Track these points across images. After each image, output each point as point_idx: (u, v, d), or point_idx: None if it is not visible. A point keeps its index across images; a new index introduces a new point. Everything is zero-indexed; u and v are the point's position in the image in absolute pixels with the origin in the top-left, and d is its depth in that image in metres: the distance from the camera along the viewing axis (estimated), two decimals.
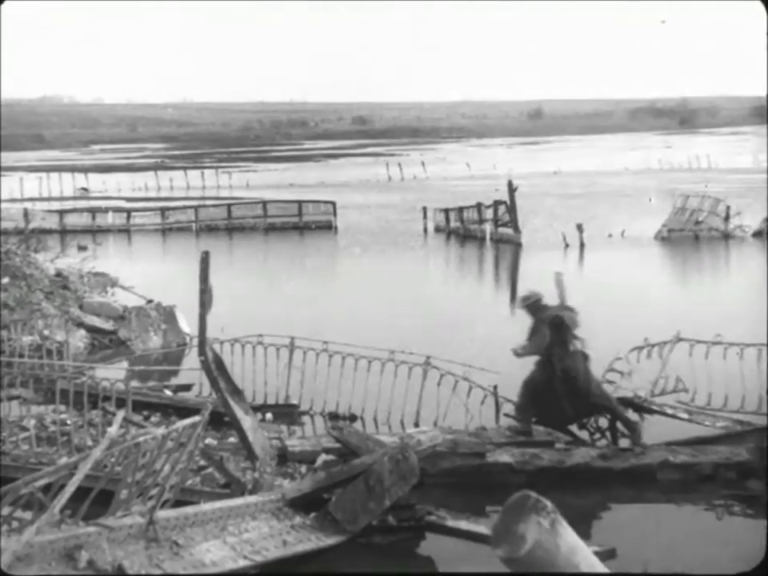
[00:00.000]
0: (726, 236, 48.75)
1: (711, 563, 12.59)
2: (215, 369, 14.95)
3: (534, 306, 17.81)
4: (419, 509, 13.02)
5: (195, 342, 17.02)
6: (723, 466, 15.28)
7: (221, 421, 16.58)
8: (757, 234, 48.57)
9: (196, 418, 11.68)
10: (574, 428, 18.17)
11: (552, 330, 17.30)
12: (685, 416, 17.90)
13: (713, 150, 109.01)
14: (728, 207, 49.89)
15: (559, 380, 17.04)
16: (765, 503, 14.52)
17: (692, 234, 49.04)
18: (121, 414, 14.17)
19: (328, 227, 56.17)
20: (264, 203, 59.09)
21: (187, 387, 20.83)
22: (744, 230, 49.04)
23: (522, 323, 29.78)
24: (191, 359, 21.04)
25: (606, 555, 11.68)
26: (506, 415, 18.61)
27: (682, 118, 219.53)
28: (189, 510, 11.81)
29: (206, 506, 12.07)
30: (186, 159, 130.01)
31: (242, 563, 11.25)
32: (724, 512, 14.48)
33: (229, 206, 59.13)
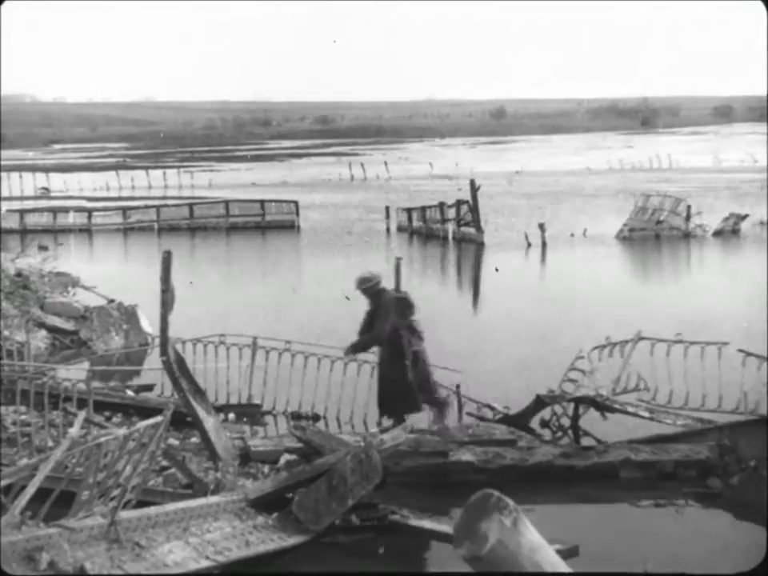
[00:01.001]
0: (687, 235, 49.03)
1: (674, 561, 12.65)
2: (177, 369, 14.90)
3: (372, 289, 17.46)
4: (382, 508, 13.01)
5: (157, 341, 16.95)
6: (684, 464, 15.36)
7: (183, 421, 16.51)
8: (717, 234, 48.89)
9: (158, 419, 11.64)
10: (536, 426, 18.29)
11: (398, 313, 16.99)
12: (646, 414, 17.99)
13: (674, 149, 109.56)
14: (689, 207, 50.19)
15: (410, 365, 16.93)
16: (725, 500, 14.62)
17: (653, 234, 49.30)
18: (82, 414, 14.11)
19: (291, 227, 56.08)
20: (226, 203, 58.94)
21: (149, 387, 20.73)
22: (704, 229, 49.35)
23: (484, 322, 29.96)
24: (153, 359, 20.93)
25: (568, 553, 11.72)
26: (469, 414, 18.66)
27: (644, 117, 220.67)
28: (151, 510, 11.76)
29: (168, 507, 12.02)
30: (147, 159, 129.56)
31: (205, 564, 11.21)
32: (684, 510, 14.57)
33: (191, 205, 58.94)
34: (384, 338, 17.27)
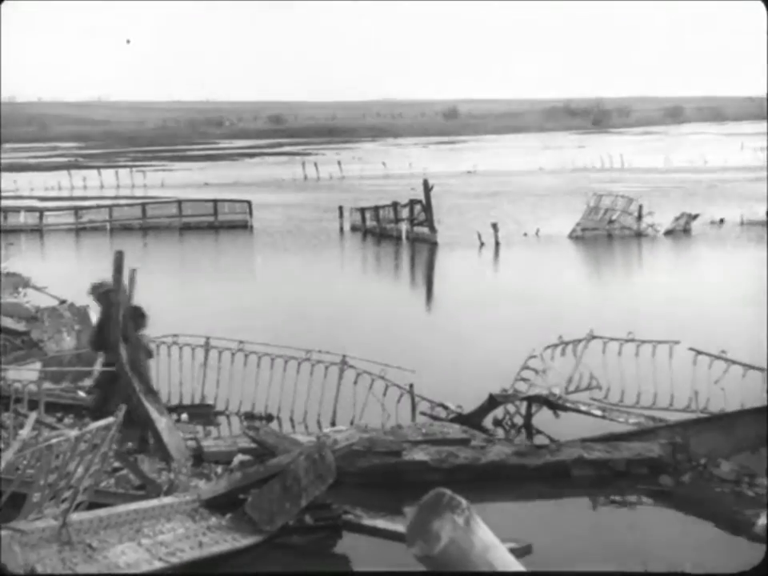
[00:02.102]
0: (639, 234, 49.33)
1: (627, 560, 12.73)
2: (129, 369, 14.83)
3: (105, 295, 16.70)
4: (336, 508, 13.01)
5: None
6: (636, 462, 15.46)
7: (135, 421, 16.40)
8: (668, 233, 49.23)
9: (110, 420, 11.58)
10: (488, 425, 18.35)
11: (130, 321, 16.39)
12: (598, 413, 18.10)
13: (625, 149, 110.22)
14: (640, 206, 50.51)
15: (129, 372, 16.49)
16: (676, 498, 14.73)
17: (605, 233, 49.57)
18: (33, 415, 14.02)
19: (243, 226, 55.91)
20: (179, 202, 58.67)
21: None
22: (656, 228, 49.67)
23: (437, 321, 30.02)
24: None
25: (521, 552, 11.77)
26: (423, 413, 18.69)
27: (596, 118, 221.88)
28: (103, 512, 11.70)
29: (121, 508, 11.96)
30: (99, 158, 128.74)
31: (157, 565, 11.16)
32: (636, 507, 14.67)
33: (143, 205, 58.62)
34: (95, 343, 16.69)
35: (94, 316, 25.61)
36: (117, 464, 14.48)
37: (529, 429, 18.34)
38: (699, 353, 18.22)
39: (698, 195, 67.40)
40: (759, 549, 12.17)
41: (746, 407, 16.66)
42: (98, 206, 60.47)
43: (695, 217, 50.95)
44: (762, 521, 13.48)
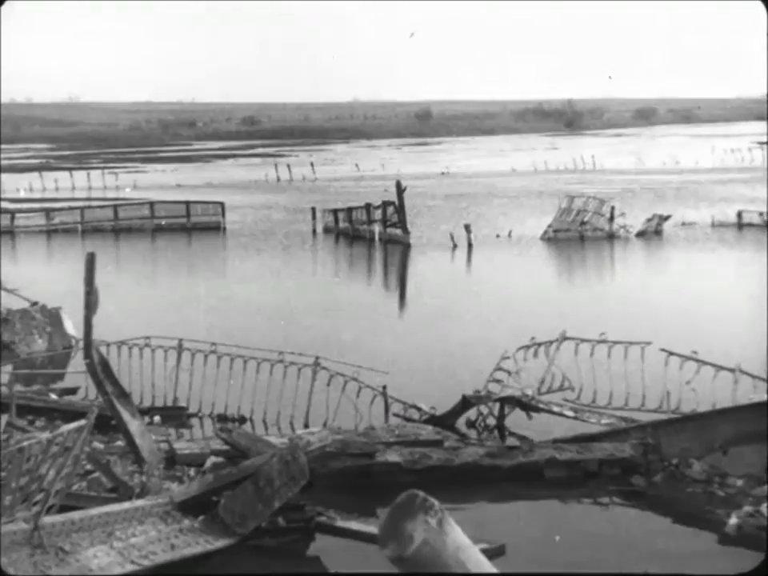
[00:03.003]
0: (611, 236, 49.48)
1: (600, 559, 12.77)
2: (101, 372, 14.79)
3: None
4: (309, 510, 13.01)
5: (81, 344, 16.80)
6: (608, 462, 15.52)
7: (108, 424, 16.38)
8: (640, 234, 49.40)
9: (82, 422, 11.54)
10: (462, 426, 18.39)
11: None
12: (570, 414, 18.15)
13: (597, 151, 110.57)
14: (612, 208, 50.66)
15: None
16: (648, 499, 14.78)
17: (577, 235, 49.69)
18: (4, 418, 13.96)
19: (216, 228, 55.78)
20: (151, 204, 58.47)
21: (73, 390, 20.55)
22: (628, 230, 49.82)
23: (410, 323, 30.03)
24: (77, 362, 20.74)
25: (494, 552, 11.81)
26: (396, 415, 18.70)
27: (568, 119, 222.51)
28: (75, 515, 11.66)
29: (93, 511, 11.92)
30: (71, 160, 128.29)
31: (130, 568, 11.13)
32: (609, 507, 14.71)
33: (115, 206, 58.42)
34: None
35: (67, 318, 25.60)
36: (89, 467, 14.44)
37: (502, 430, 18.37)
38: (671, 354, 18.30)
39: (669, 197, 67.67)
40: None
41: (717, 408, 16.74)
42: (70, 208, 60.21)
43: (666, 218, 51.15)
44: (733, 520, 13.55)
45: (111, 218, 57.06)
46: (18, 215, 58.25)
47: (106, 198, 71.89)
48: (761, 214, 51.95)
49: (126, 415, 14.67)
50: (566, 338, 19.46)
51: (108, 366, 15.06)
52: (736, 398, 17.33)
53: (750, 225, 51.37)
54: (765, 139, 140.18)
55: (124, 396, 15.00)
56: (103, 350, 17.27)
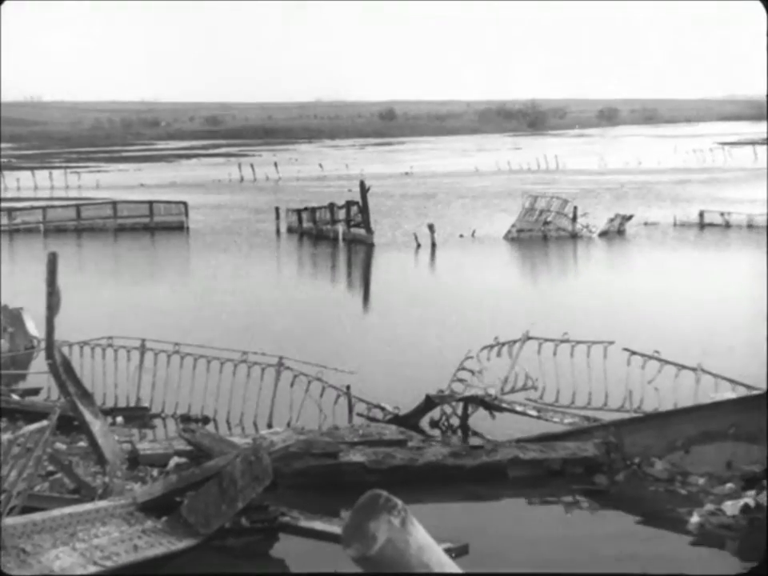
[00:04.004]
0: (574, 236, 49.68)
1: (562, 559, 12.82)
2: (63, 372, 14.71)
3: None
4: (272, 510, 12.99)
5: (43, 345, 16.71)
6: (571, 461, 15.57)
7: (70, 425, 16.31)
8: (603, 234, 49.62)
9: (44, 423, 11.48)
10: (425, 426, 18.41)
11: None
12: (534, 413, 18.21)
13: (560, 151, 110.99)
14: (575, 208, 50.86)
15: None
16: (611, 497, 14.85)
17: (540, 234, 49.87)
18: None
19: (179, 228, 55.60)
20: (114, 204, 58.23)
21: (35, 391, 20.43)
22: (590, 230, 50.04)
23: (374, 323, 30.05)
24: (39, 363, 20.62)
25: (458, 552, 11.83)
26: (360, 415, 18.71)
27: (531, 119, 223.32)
28: (37, 516, 11.59)
29: (55, 512, 11.85)
30: (33, 159, 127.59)
31: (92, 569, 11.07)
32: (572, 507, 14.77)
33: (78, 206, 58.12)
34: None
35: (28, 318, 25.44)
36: (51, 468, 14.37)
37: (465, 429, 18.41)
38: (633, 353, 18.41)
39: (631, 197, 68.01)
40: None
41: (679, 407, 16.85)
42: (32, 208, 59.87)
43: (629, 218, 51.42)
44: (694, 519, 13.64)
45: (74, 217, 56.77)
46: None
47: (69, 198, 71.50)
48: (722, 214, 52.36)
49: (88, 416, 14.61)
50: (529, 338, 19.54)
51: (70, 367, 14.99)
52: (697, 397, 17.45)
53: (712, 225, 51.75)
54: (725, 140, 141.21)
55: (86, 396, 14.92)
56: (65, 350, 17.20)
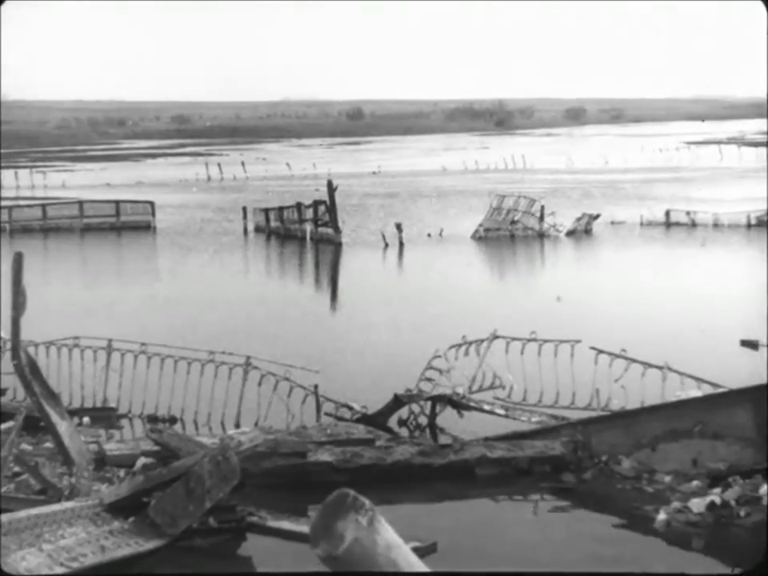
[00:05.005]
0: (541, 235, 49.80)
1: (532, 558, 12.85)
2: (29, 373, 14.63)
3: None
4: (240, 510, 12.96)
5: (8, 345, 16.59)
6: (538, 460, 15.61)
7: (36, 426, 16.22)
8: (570, 233, 49.76)
9: (10, 424, 11.43)
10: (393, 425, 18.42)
11: None
12: (501, 412, 18.24)
13: (528, 150, 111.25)
14: (542, 207, 50.98)
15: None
16: (578, 495, 14.90)
17: (508, 233, 49.96)
18: None
19: (146, 227, 55.41)
20: (80, 203, 57.95)
21: (1, 392, 20.29)
22: (558, 229, 50.18)
23: (342, 322, 30.04)
24: (5, 363, 20.49)
25: (426, 551, 11.84)
26: (327, 414, 18.69)
27: (499, 119, 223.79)
28: (3, 517, 11.53)
29: (21, 514, 11.80)
30: None
31: (59, 570, 11.02)
32: (539, 505, 14.81)
33: (44, 206, 57.82)
34: None
35: None
36: (17, 469, 14.28)
37: (433, 428, 18.43)
38: (600, 351, 18.48)
39: (598, 196, 68.23)
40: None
41: (645, 405, 16.92)
42: None
43: (596, 217, 51.60)
44: (661, 516, 13.70)
45: (40, 217, 56.46)
46: None
47: (35, 197, 71.12)
48: (688, 213, 52.62)
49: (54, 416, 14.53)
50: (496, 337, 19.58)
51: (36, 367, 14.91)
52: (664, 395, 17.53)
53: (678, 224, 52.00)
54: (691, 139, 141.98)
55: (53, 397, 14.85)
56: (31, 350, 17.10)
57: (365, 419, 18.23)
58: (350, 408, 18.73)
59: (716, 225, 51.05)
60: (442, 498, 15.09)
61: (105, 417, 18.99)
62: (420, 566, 6.23)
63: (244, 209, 55.37)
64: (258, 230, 53.54)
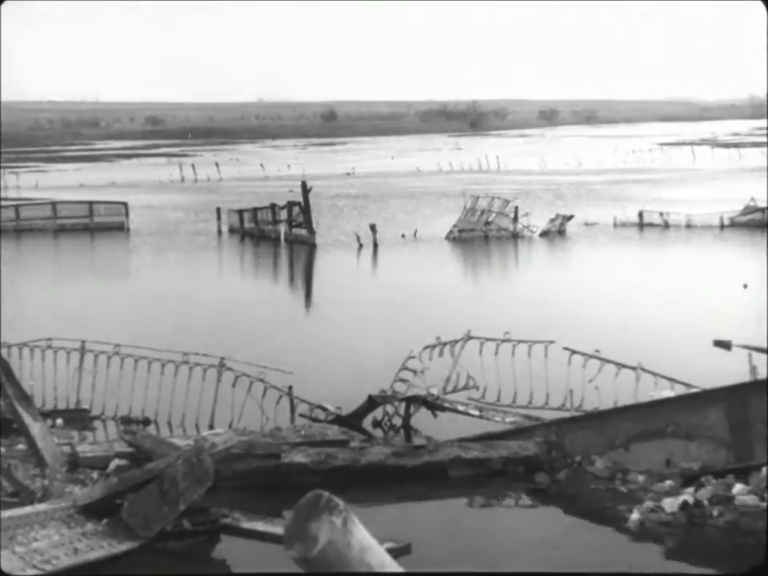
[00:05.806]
0: (515, 236, 49.87)
1: (503, 558, 12.87)
2: (2, 374, 14.58)
3: None
4: (214, 512, 12.94)
5: None
6: (512, 460, 15.64)
7: (9, 427, 16.16)
8: (544, 234, 49.86)
9: None
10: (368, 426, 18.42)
11: None
12: (476, 412, 18.27)
13: (502, 152, 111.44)
14: (516, 208, 51.06)
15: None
16: (552, 496, 14.93)
17: (482, 234, 50.00)
18: None
19: (120, 228, 55.22)
20: (53, 204, 57.71)
21: None
22: (531, 229, 50.27)
23: (316, 323, 30.02)
24: None
25: (400, 551, 11.85)
26: (302, 415, 18.67)
27: (473, 120, 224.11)
28: None
29: None
30: None
31: (31, 573, 10.98)
32: (513, 505, 14.84)
33: (17, 207, 57.56)
34: None
35: None
36: None
37: (407, 429, 18.43)
38: (573, 352, 18.53)
39: (571, 197, 68.39)
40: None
41: (619, 405, 16.98)
42: None
43: (569, 218, 51.71)
44: (634, 516, 13.75)
45: (13, 218, 56.19)
46: None
47: (7, 198, 70.76)
48: (661, 214, 52.80)
49: (27, 418, 14.48)
50: (470, 338, 19.61)
51: (9, 369, 14.87)
52: (637, 396, 17.59)
53: (651, 225, 52.18)
54: (664, 141, 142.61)
55: (25, 399, 14.81)
56: (4, 352, 17.04)
57: (339, 420, 18.23)
58: (325, 409, 18.71)
59: (689, 225, 51.27)
60: (416, 498, 15.10)
61: (78, 418, 18.92)
62: (394, 567, 6.23)
63: (218, 210, 55.22)
64: (232, 230, 53.42)
